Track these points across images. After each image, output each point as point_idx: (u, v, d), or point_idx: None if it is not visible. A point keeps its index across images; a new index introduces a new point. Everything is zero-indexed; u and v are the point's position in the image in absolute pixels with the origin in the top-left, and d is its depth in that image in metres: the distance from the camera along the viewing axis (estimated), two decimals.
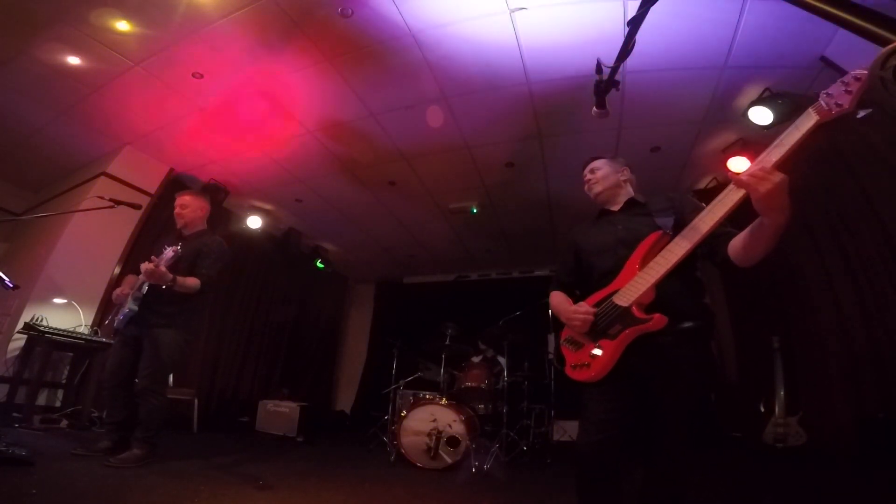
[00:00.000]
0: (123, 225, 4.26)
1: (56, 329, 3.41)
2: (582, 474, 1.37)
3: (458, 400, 3.73)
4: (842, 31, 2.09)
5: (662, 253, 1.31)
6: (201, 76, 3.41)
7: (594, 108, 1.55)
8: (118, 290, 2.66)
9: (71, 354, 3.74)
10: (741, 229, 1.23)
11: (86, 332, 3.70)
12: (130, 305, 2.49)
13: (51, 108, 3.84)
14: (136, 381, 2.49)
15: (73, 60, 3.28)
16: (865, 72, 0.87)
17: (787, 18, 2.58)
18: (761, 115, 3.11)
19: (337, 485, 2.48)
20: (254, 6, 2.78)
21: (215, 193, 4.73)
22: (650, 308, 1.31)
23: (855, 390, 2.98)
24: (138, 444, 2.34)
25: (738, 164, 3.64)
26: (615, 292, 1.37)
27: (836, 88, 0.95)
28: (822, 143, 3.10)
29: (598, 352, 1.36)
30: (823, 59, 2.85)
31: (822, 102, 0.98)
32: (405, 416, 3.43)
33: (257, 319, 5.96)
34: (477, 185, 4.72)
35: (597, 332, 1.38)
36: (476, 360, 4.29)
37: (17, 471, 1.86)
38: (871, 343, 2.89)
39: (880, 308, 2.84)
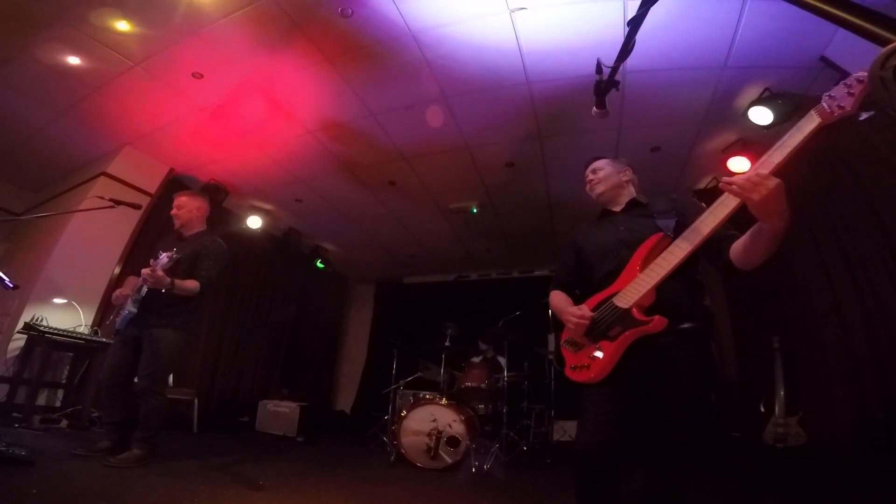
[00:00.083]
0: (123, 225, 4.26)
1: (56, 329, 3.41)
2: (580, 475, 1.37)
3: (458, 400, 3.73)
4: (842, 31, 2.09)
5: (663, 255, 1.30)
6: (201, 76, 3.41)
7: (594, 108, 1.55)
8: (118, 291, 2.67)
9: (71, 354, 3.74)
10: (744, 231, 1.23)
11: (86, 332, 3.70)
12: (130, 308, 2.50)
13: (51, 108, 3.84)
14: (136, 381, 2.49)
15: (73, 60, 3.28)
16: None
17: (787, 18, 2.58)
18: (761, 115, 3.12)
19: (337, 485, 2.48)
20: (254, 6, 2.78)
21: (215, 193, 4.73)
22: (650, 310, 1.31)
23: (855, 390, 2.98)
24: (138, 444, 2.34)
25: (738, 164, 3.64)
26: (616, 294, 1.37)
27: (838, 90, 0.95)
28: (823, 144, 3.10)
29: (597, 353, 1.36)
30: (823, 59, 2.85)
31: (824, 104, 0.97)
32: (405, 416, 3.43)
33: (257, 319, 5.96)
34: (477, 185, 4.72)
35: (597, 333, 1.38)
36: (476, 360, 4.29)
37: (17, 471, 1.86)
38: (871, 343, 2.89)
39: (880, 308, 2.84)
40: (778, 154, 1.06)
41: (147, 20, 2.92)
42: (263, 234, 5.74)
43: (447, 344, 4.04)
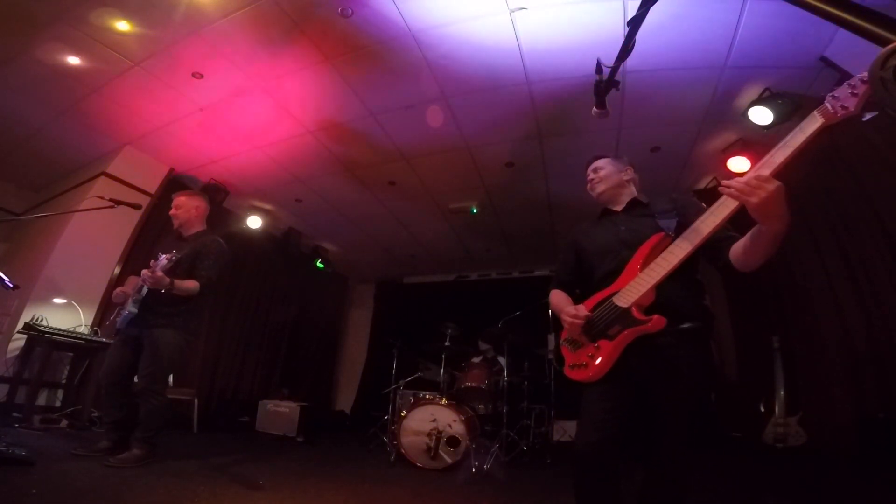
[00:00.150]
0: (123, 225, 4.26)
1: (56, 329, 3.41)
2: (580, 474, 1.37)
3: (458, 400, 3.73)
4: (842, 31, 2.09)
5: (664, 255, 1.30)
6: (201, 76, 3.41)
7: (594, 108, 1.55)
8: (119, 289, 2.67)
9: (71, 354, 3.74)
10: (745, 231, 1.23)
11: (86, 332, 3.70)
12: (130, 308, 2.51)
13: (51, 108, 3.84)
14: (136, 381, 2.49)
15: (73, 60, 3.28)
16: None
17: (787, 18, 2.58)
18: (761, 115, 3.12)
19: (337, 485, 2.48)
20: (254, 6, 2.78)
21: (215, 193, 4.73)
22: (650, 309, 1.31)
23: (855, 390, 2.98)
24: (138, 444, 2.34)
25: (738, 164, 3.64)
26: (615, 293, 1.37)
27: (842, 91, 0.94)
28: (824, 144, 3.10)
29: (596, 352, 1.36)
30: (823, 59, 2.85)
31: (827, 105, 0.97)
32: (405, 416, 3.43)
33: (257, 319, 5.96)
34: (477, 185, 4.72)
35: (596, 332, 1.38)
36: (476, 360, 4.29)
37: (17, 471, 1.86)
38: (871, 343, 2.89)
39: (880, 308, 2.84)
40: (780, 154, 1.06)
41: (147, 20, 2.92)
42: (263, 234, 5.74)
43: (447, 344, 4.04)
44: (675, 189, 4.41)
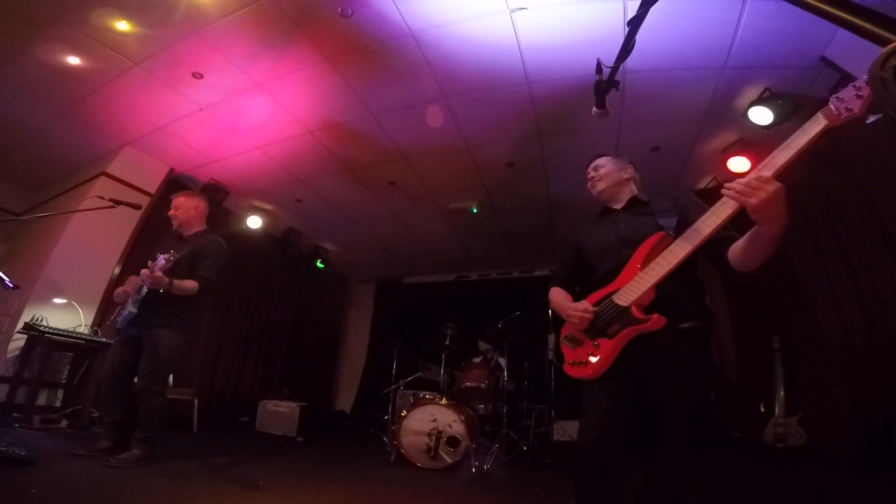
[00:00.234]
0: (123, 225, 4.26)
1: (56, 329, 3.41)
2: (581, 473, 1.37)
3: (458, 400, 3.72)
4: (842, 31, 2.09)
5: (664, 254, 1.30)
6: (201, 76, 3.41)
7: (594, 108, 1.55)
8: (120, 289, 2.67)
9: (71, 354, 3.74)
10: (745, 232, 1.23)
11: (86, 332, 3.70)
12: (130, 308, 2.51)
13: (51, 109, 3.84)
14: (136, 381, 2.49)
15: (73, 60, 3.28)
16: None
17: (787, 18, 2.58)
18: (761, 115, 3.12)
19: (337, 485, 2.48)
20: (254, 6, 2.78)
21: (215, 193, 4.73)
22: (650, 308, 1.31)
23: (855, 390, 2.98)
24: (138, 444, 2.34)
25: (738, 164, 3.65)
26: (615, 291, 1.37)
27: (846, 92, 0.93)
28: (824, 144, 3.10)
29: (595, 350, 1.36)
30: (823, 59, 2.85)
31: (831, 106, 0.96)
32: (405, 416, 3.42)
33: (257, 319, 5.96)
34: (477, 185, 4.72)
35: (596, 330, 1.38)
36: (476, 360, 4.29)
37: (17, 471, 1.86)
38: (871, 343, 2.89)
39: (880, 308, 2.84)
40: (782, 156, 1.06)
41: (147, 20, 2.92)
42: (263, 234, 5.74)
43: (447, 344, 4.04)
44: (676, 189, 4.40)
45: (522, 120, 3.69)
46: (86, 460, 2.26)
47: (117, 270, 4.19)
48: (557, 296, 1.61)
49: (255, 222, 5.33)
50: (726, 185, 1.11)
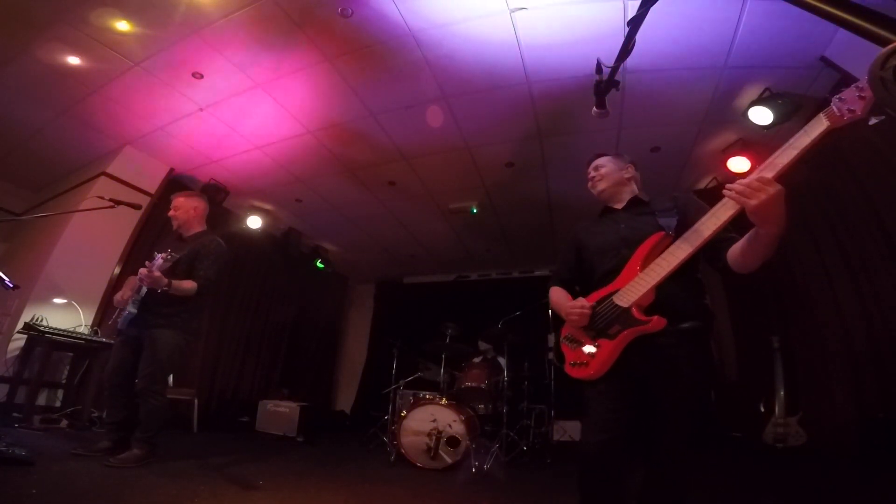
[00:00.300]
0: (123, 225, 4.26)
1: (56, 329, 3.41)
2: (584, 474, 1.37)
3: (458, 400, 3.73)
4: (842, 31, 2.09)
5: (664, 255, 1.30)
6: (201, 76, 3.41)
7: (594, 108, 1.55)
8: (119, 294, 2.66)
9: (71, 354, 3.74)
10: (745, 232, 1.23)
11: (86, 332, 3.70)
12: (130, 308, 2.51)
13: (51, 109, 3.84)
14: (136, 381, 2.49)
15: (73, 60, 3.28)
16: None
17: (787, 18, 2.58)
18: (761, 115, 3.12)
19: (337, 485, 2.48)
20: (254, 6, 2.78)
21: (215, 193, 4.73)
22: (650, 309, 1.31)
23: (855, 390, 2.98)
24: (138, 444, 2.34)
25: (738, 164, 3.64)
26: (615, 292, 1.37)
27: (849, 93, 0.92)
28: (824, 144, 3.10)
29: (596, 351, 1.36)
30: (823, 59, 2.85)
31: (833, 108, 0.95)
32: (405, 416, 3.42)
33: (257, 319, 5.96)
34: (477, 185, 4.72)
35: (596, 331, 1.38)
36: (476, 360, 4.29)
37: (17, 471, 1.86)
38: (871, 343, 2.89)
39: (880, 308, 2.84)
40: (784, 157, 1.05)
41: (147, 20, 2.92)
42: (263, 234, 5.74)
43: (447, 344, 4.04)
44: (676, 189, 4.40)
45: (522, 120, 3.69)
46: (86, 460, 2.26)
47: (117, 270, 4.19)
48: (557, 295, 1.61)
49: (255, 222, 5.33)
50: (727, 185, 1.11)
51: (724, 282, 4.53)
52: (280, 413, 4.72)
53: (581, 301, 1.43)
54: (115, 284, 4.02)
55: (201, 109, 3.79)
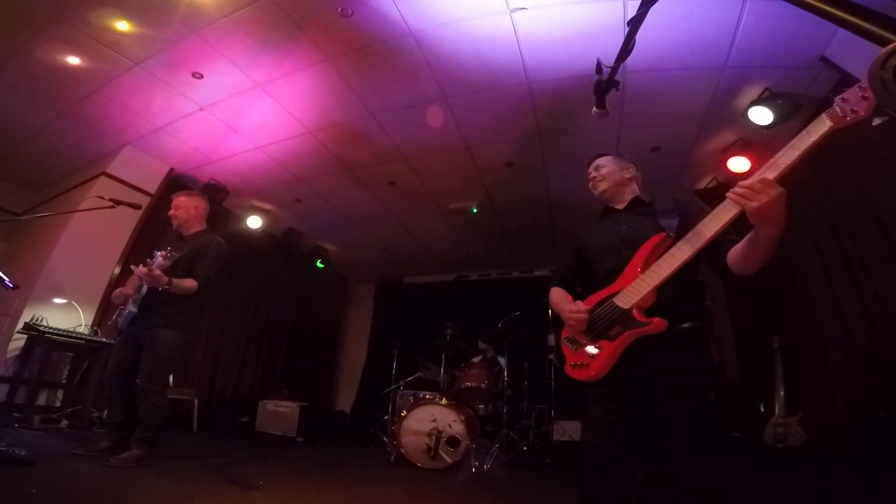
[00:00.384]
0: (123, 225, 4.26)
1: (56, 329, 3.41)
2: (583, 474, 1.37)
3: (458, 400, 3.72)
4: (842, 31, 2.10)
5: (665, 257, 1.30)
6: (201, 76, 3.41)
7: (594, 108, 1.55)
8: (119, 290, 2.67)
9: (71, 354, 3.74)
10: (746, 234, 1.22)
11: (86, 332, 3.70)
12: (130, 307, 2.51)
13: (51, 108, 3.84)
14: (137, 381, 2.49)
15: (73, 60, 3.28)
16: None
17: (787, 18, 2.58)
18: (761, 115, 3.12)
19: (337, 485, 2.48)
20: (254, 6, 2.78)
21: (215, 193, 4.73)
22: (651, 311, 1.31)
23: (855, 390, 2.98)
24: (138, 444, 2.34)
25: (738, 164, 3.64)
26: (616, 293, 1.36)
27: (852, 93, 0.91)
28: (827, 145, 3.10)
29: (597, 352, 1.36)
30: (823, 59, 2.85)
31: (836, 108, 0.94)
32: (405, 416, 3.42)
33: (257, 319, 5.96)
34: (477, 185, 4.72)
35: (597, 332, 1.37)
36: (476, 360, 4.28)
37: (17, 471, 1.86)
38: (871, 343, 2.89)
39: (880, 308, 2.84)
40: (786, 158, 1.05)
41: (147, 20, 2.92)
42: (263, 234, 5.74)
43: (447, 344, 4.04)
44: (676, 189, 4.41)
45: (522, 120, 3.69)
46: (86, 460, 2.26)
47: (117, 270, 4.19)
48: (557, 296, 1.60)
49: (255, 222, 5.33)
50: (733, 190, 1.10)
51: (724, 282, 4.52)
52: (280, 413, 4.72)
53: (579, 305, 1.43)
54: (115, 284, 4.02)
55: (201, 109, 3.79)
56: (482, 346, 4.53)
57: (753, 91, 3.21)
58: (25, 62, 3.30)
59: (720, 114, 3.48)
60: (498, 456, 3.35)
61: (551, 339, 4.94)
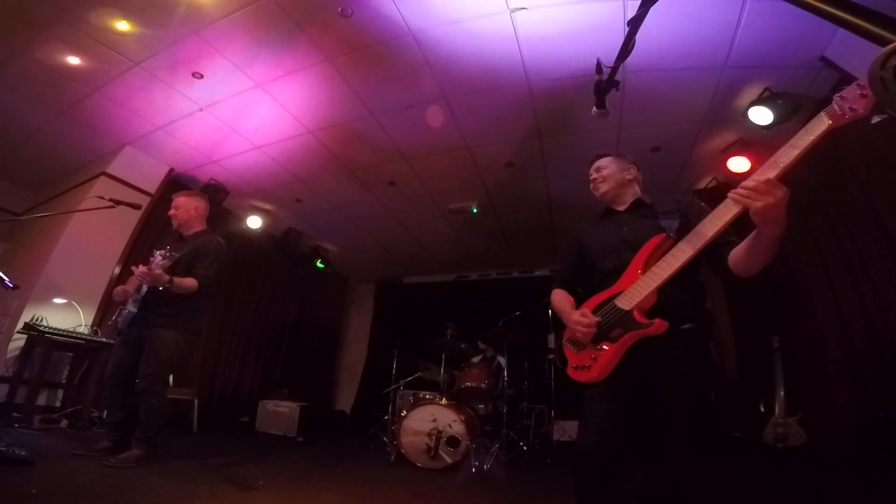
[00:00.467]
0: (123, 225, 4.26)
1: (56, 329, 3.41)
2: (581, 474, 1.36)
3: (458, 400, 3.72)
4: (842, 31, 2.09)
5: (665, 258, 1.30)
6: (201, 76, 3.41)
7: (594, 108, 1.55)
8: (120, 287, 2.67)
9: (71, 354, 3.74)
10: (746, 235, 1.22)
11: (86, 332, 3.70)
12: (130, 307, 2.51)
13: (51, 109, 3.84)
14: (137, 381, 2.49)
15: (73, 60, 3.28)
16: None
17: (787, 18, 2.58)
18: (761, 115, 3.12)
19: (337, 485, 2.48)
20: (254, 6, 2.78)
21: (215, 193, 4.73)
22: (651, 312, 1.30)
23: (855, 390, 2.98)
24: (138, 444, 2.34)
25: (738, 164, 3.64)
26: (617, 295, 1.36)
27: (850, 91, 0.91)
28: (824, 143, 3.10)
29: (598, 354, 1.36)
30: (823, 59, 2.85)
31: (835, 106, 0.94)
32: (405, 416, 3.42)
33: (257, 319, 5.96)
34: (477, 185, 4.72)
35: (598, 334, 1.37)
36: (476, 360, 4.29)
37: (17, 471, 1.86)
38: (871, 343, 2.89)
39: (880, 308, 2.84)
40: (786, 157, 1.05)
41: (147, 20, 2.92)
42: (263, 234, 5.74)
43: (447, 344, 4.04)
44: (676, 188, 4.41)
45: (522, 120, 3.69)
46: (86, 460, 2.26)
47: (117, 270, 4.19)
48: (560, 298, 1.60)
49: (255, 222, 5.33)
50: (735, 191, 1.10)
51: (725, 282, 4.52)
52: (280, 413, 4.72)
53: (588, 318, 1.38)
54: (116, 284, 4.01)
55: (201, 109, 3.79)
56: (482, 346, 4.53)
57: (753, 91, 3.21)
58: (25, 62, 3.30)
59: (720, 114, 3.48)
60: (498, 456, 3.35)
61: (551, 340, 4.95)
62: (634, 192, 1.65)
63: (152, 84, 3.49)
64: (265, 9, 2.79)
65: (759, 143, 3.56)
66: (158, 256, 2.33)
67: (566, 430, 4.92)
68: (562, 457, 3.73)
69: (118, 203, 2.63)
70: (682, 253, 1.26)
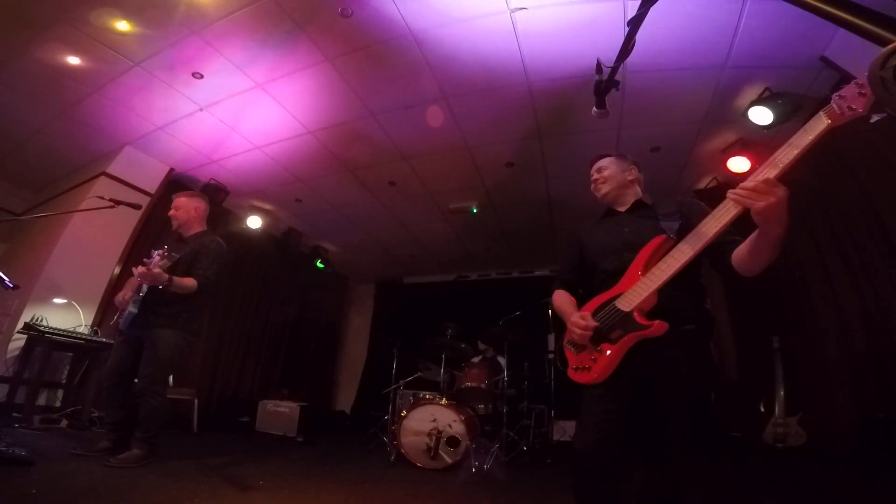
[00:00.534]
0: (123, 225, 4.26)
1: (56, 329, 3.41)
2: (581, 474, 1.36)
3: (458, 400, 3.73)
4: (842, 31, 2.09)
5: (665, 259, 1.29)
6: (201, 76, 3.41)
7: (594, 108, 1.55)
8: (120, 295, 2.67)
9: (71, 354, 3.74)
10: (747, 235, 1.22)
11: (86, 332, 3.70)
12: (130, 308, 2.50)
13: (51, 108, 3.84)
14: (136, 381, 2.49)
15: (73, 60, 3.28)
16: None
17: (787, 18, 2.58)
18: (761, 115, 3.12)
19: (337, 485, 2.48)
20: (254, 6, 2.78)
21: (215, 193, 4.73)
22: (651, 314, 1.30)
23: (855, 390, 2.97)
24: (138, 444, 2.34)
25: (738, 164, 3.65)
26: (617, 296, 1.36)
27: (849, 90, 0.91)
28: (824, 143, 3.10)
29: (599, 356, 1.35)
30: (823, 59, 2.85)
31: (833, 105, 0.94)
32: (405, 416, 3.42)
33: (257, 319, 5.96)
34: (477, 185, 4.72)
35: (598, 336, 1.37)
36: (476, 360, 4.29)
37: (17, 471, 1.86)
38: (871, 343, 2.88)
39: (880, 308, 2.84)
40: (785, 156, 1.05)
41: (147, 20, 2.92)
42: (263, 234, 5.74)
43: (447, 344, 4.04)
44: (676, 189, 4.41)
45: (522, 119, 3.69)
46: (86, 460, 2.26)
47: (117, 270, 4.19)
48: (561, 299, 1.60)
49: (255, 222, 5.33)
50: (733, 191, 1.10)
51: (725, 282, 4.52)
52: (280, 413, 4.72)
53: (586, 320, 1.38)
54: (115, 284, 4.03)
55: (201, 109, 3.79)
56: (482, 346, 4.53)
57: (753, 91, 3.21)
58: (25, 62, 3.30)
59: (720, 114, 3.48)
60: (498, 456, 3.35)
61: (551, 340, 4.94)
62: (636, 192, 1.65)
63: (152, 84, 3.49)
64: (265, 9, 2.79)
65: (759, 143, 3.56)
66: (156, 256, 2.34)
67: (566, 430, 4.91)
68: (562, 457, 3.73)
69: (118, 203, 2.63)
70: (682, 254, 1.26)
